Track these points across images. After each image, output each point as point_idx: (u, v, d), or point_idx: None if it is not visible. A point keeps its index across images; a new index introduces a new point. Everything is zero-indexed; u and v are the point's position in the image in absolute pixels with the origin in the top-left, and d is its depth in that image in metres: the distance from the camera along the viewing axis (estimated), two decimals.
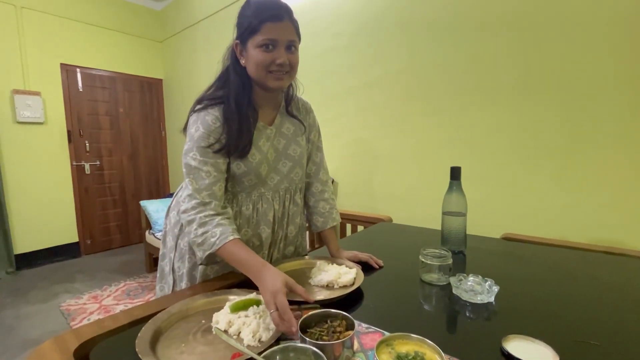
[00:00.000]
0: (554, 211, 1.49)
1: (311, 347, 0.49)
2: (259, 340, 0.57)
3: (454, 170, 1.00)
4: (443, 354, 0.46)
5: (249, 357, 0.50)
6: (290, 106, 0.95)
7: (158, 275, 1.01)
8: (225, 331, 0.60)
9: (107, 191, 3.73)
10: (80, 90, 3.47)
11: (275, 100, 0.92)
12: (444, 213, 1.03)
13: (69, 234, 3.46)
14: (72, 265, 3.30)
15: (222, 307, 0.66)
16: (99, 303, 2.46)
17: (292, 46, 0.79)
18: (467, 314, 0.67)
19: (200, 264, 0.89)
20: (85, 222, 3.58)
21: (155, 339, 0.59)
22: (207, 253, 0.74)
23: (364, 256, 0.93)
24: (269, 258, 0.97)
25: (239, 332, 0.59)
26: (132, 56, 3.84)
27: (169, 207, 1.01)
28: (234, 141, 0.81)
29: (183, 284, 0.92)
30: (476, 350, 0.54)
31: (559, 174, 1.47)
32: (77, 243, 3.52)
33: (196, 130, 0.80)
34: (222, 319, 0.62)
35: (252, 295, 0.69)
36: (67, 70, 3.37)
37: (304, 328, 0.55)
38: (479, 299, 0.70)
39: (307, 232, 1.11)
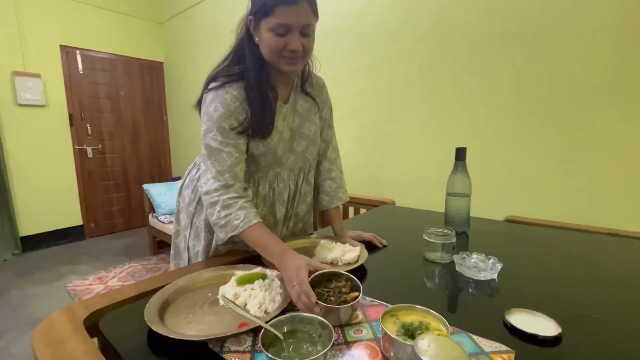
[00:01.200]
0: (557, 194, 1.49)
1: (317, 317, 0.50)
2: (265, 312, 0.58)
3: (459, 150, 0.99)
4: (447, 324, 0.47)
5: (256, 325, 0.51)
6: (305, 84, 0.93)
7: (172, 252, 1.02)
8: (233, 302, 0.61)
9: (109, 175, 3.74)
10: (81, 72, 3.43)
11: (290, 77, 0.90)
12: (448, 194, 1.03)
13: (72, 217, 3.49)
14: (77, 247, 3.34)
15: (228, 282, 0.67)
16: (104, 284, 2.51)
17: (307, 30, 0.75)
18: (471, 290, 0.67)
19: (222, 244, 0.90)
20: (88, 206, 3.60)
21: (162, 309, 0.60)
22: (230, 235, 0.75)
23: (367, 235, 0.94)
24: (279, 235, 0.98)
25: (245, 304, 0.60)
26: (132, 38, 3.77)
27: (182, 185, 1.01)
28: (257, 122, 0.79)
29: (199, 261, 0.94)
30: (480, 323, 0.55)
31: (563, 158, 1.46)
32: (81, 226, 3.55)
33: (215, 109, 0.77)
34: (228, 291, 0.63)
35: (258, 270, 0.70)
36: (67, 52, 3.32)
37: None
38: (482, 276, 0.70)
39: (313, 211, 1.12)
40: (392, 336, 0.44)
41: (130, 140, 3.88)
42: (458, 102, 1.75)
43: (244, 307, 0.60)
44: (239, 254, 0.90)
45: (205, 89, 0.81)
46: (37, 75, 3.10)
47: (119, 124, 3.76)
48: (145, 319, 0.54)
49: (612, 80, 1.31)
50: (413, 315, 0.50)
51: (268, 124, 0.82)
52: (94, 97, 3.54)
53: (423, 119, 1.90)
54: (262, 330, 0.48)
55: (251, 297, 0.61)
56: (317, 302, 0.53)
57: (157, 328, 0.52)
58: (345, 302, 0.55)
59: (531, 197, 1.56)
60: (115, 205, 3.81)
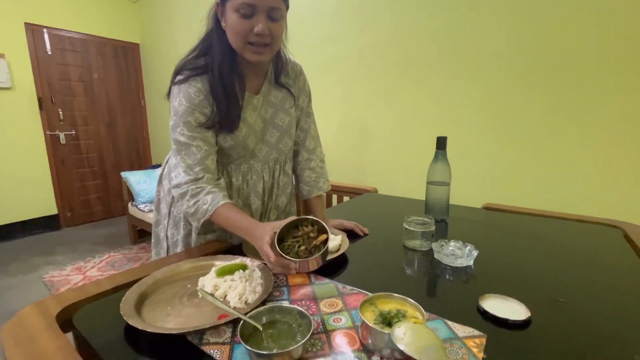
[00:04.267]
0: (532, 182, 1.54)
1: (296, 307, 0.50)
2: (245, 303, 0.57)
3: (440, 139, 1.01)
4: (424, 311, 0.48)
5: (236, 317, 0.51)
6: (280, 77, 0.89)
7: (153, 240, 1.01)
8: (212, 294, 0.60)
9: (85, 162, 3.59)
10: (49, 53, 3.23)
11: (262, 68, 0.86)
12: (428, 182, 1.04)
13: (47, 207, 3.36)
14: (53, 237, 3.23)
15: (207, 273, 0.67)
16: (82, 274, 2.45)
17: (275, 14, 0.71)
18: (447, 277, 0.69)
19: (199, 234, 0.89)
20: (63, 194, 3.47)
21: (140, 302, 0.59)
22: (202, 221, 0.75)
23: (349, 224, 0.94)
24: None
25: (225, 295, 0.60)
26: (104, 17, 3.56)
27: (161, 174, 0.98)
28: (223, 116, 0.78)
29: (178, 250, 0.93)
30: (454, 309, 0.57)
31: (538, 148, 1.50)
32: (56, 215, 3.43)
33: (179, 104, 0.76)
34: (208, 283, 0.62)
35: (238, 260, 0.69)
36: (33, 31, 3.11)
37: (280, 241, 0.63)
38: (459, 263, 0.73)
39: (295, 202, 1.11)
40: (370, 324, 0.45)
41: (106, 126, 3.72)
42: (439, 92, 1.76)
43: (224, 298, 0.60)
44: (220, 244, 0.89)
45: (172, 81, 0.78)
46: (1, 56, 2.90)
47: (93, 109, 3.59)
48: (121, 312, 0.53)
49: (588, 75, 1.35)
50: (391, 304, 0.51)
51: (234, 117, 0.79)
52: (64, 80, 3.36)
53: (405, 108, 1.90)
54: (241, 322, 0.48)
55: (231, 288, 0.61)
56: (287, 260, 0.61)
57: (134, 322, 0.51)
58: (316, 247, 0.62)
59: (508, 185, 1.61)
60: (92, 193, 3.68)
